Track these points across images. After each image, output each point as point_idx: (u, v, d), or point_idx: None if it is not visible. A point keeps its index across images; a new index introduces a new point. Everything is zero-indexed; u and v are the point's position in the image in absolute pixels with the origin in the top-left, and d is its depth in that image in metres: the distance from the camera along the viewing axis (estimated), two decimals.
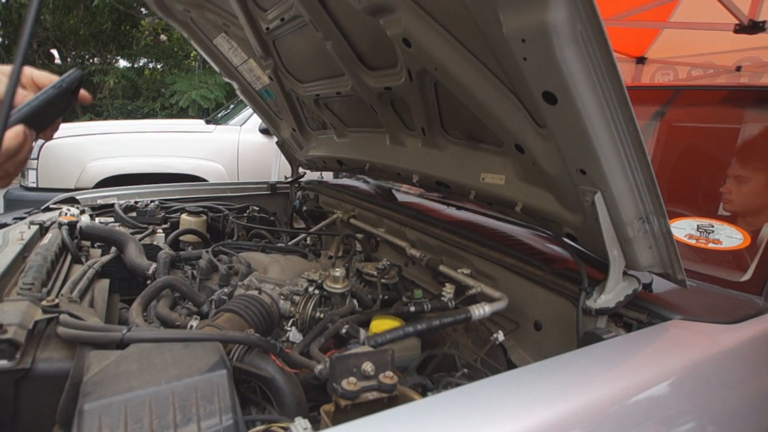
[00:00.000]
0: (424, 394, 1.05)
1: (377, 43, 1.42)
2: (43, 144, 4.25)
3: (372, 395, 0.89)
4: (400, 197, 2.19)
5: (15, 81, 0.65)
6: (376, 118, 1.76)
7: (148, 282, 1.64)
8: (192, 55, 11.26)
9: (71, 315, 1.11)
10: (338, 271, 1.38)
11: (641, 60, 4.94)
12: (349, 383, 0.88)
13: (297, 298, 1.38)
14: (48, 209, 2.23)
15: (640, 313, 1.12)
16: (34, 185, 4.25)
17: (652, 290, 1.18)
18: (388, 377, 0.91)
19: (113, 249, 1.90)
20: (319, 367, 0.99)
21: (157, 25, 10.82)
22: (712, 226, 1.59)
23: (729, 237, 1.55)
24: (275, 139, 4.64)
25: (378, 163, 1.87)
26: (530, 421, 0.73)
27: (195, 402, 0.77)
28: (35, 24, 0.64)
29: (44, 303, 1.11)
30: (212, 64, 2.33)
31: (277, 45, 1.90)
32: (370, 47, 1.50)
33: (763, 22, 3.11)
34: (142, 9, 10.43)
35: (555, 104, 0.93)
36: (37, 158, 4.23)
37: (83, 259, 1.76)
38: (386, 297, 1.50)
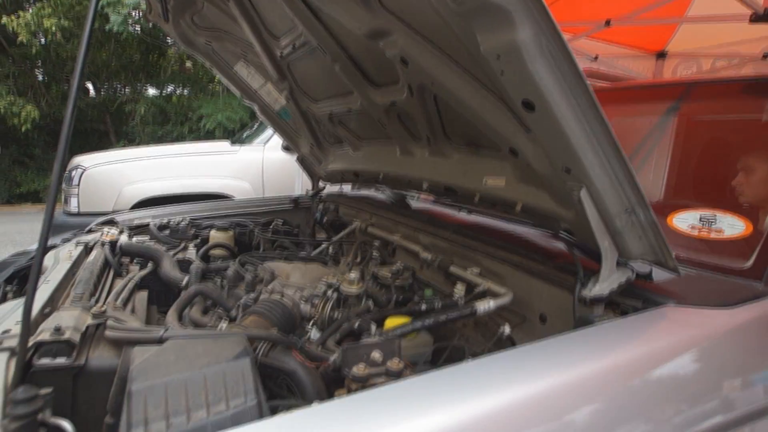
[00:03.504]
0: None
1: (380, 62, 1.54)
2: (83, 172, 4.51)
3: (380, 380, 0.99)
4: (415, 205, 2.29)
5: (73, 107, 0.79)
6: (385, 131, 1.88)
7: (182, 292, 1.79)
8: (216, 79, 11.72)
9: (116, 319, 1.26)
10: (353, 275, 1.49)
11: (662, 54, 4.89)
12: (358, 368, 0.98)
13: (316, 301, 1.50)
14: (90, 231, 2.43)
15: (636, 300, 1.19)
16: (76, 210, 4.48)
17: (653, 279, 1.24)
18: (395, 363, 1.01)
19: (150, 264, 2.06)
20: (334, 356, 1.10)
21: (183, 53, 11.34)
22: (715, 216, 1.63)
23: (731, 226, 1.59)
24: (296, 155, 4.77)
25: (390, 173, 1.99)
26: (524, 392, 0.82)
27: (224, 385, 0.89)
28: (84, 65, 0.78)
29: (94, 310, 1.28)
30: (233, 89, 2.50)
31: (291, 69, 2.05)
32: (374, 66, 1.62)
33: None
34: (168, 39, 10.96)
35: (534, 111, 1.02)
36: (78, 185, 4.48)
37: (123, 273, 1.93)
38: (401, 298, 1.60)
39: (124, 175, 4.57)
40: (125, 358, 1.10)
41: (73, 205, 4.51)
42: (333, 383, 1.23)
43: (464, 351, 1.36)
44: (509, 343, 1.43)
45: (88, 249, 2.06)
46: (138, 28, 10.15)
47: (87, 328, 1.20)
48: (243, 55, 2.22)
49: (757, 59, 4.33)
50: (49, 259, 1.84)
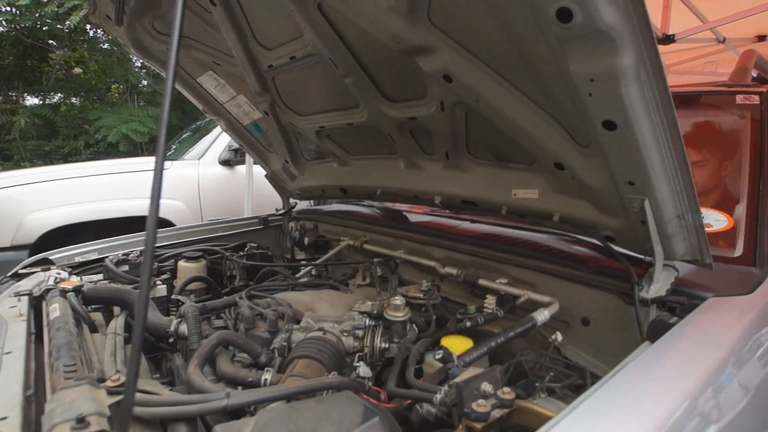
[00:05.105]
0: None
1: (403, 77, 1.47)
2: None
3: (497, 413, 0.94)
4: (411, 218, 2.23)
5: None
6: (389, 145, 1.81)
7: (170, 340, 1.56)
8: (113, 87, 10.54)
9: (143, 392, 1.04)
10: (398, 300, 1.41)
11: None
12: (480, 405, 0.92)
13: (360, 332, 1.40)
14: (18, 275, 2.01)
15: (679, 296, 1.26)
16: None
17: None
18: (507, 393, 0.97)
19: (116, 310, 1.77)
20: (438, 396, 1.02)
21: (70, 57, 10.03)
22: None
23: (717, 220, 1.78)
24: (237, 169, 4.44)
25: (392, 188, 1.92)
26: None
27: None
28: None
29: (108, 384, 1.00)
30: (195, 102, 2.26)
31: (276, 81, 1.90)
32: (395, 81, 1.55)
33: (674, 35, 3.79)
34: (51, 41, 9.61)
35: (614, 130, 1.05)
36: None
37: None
38: (436, 317, 1.55)
39: (24, 202, 3.83)
40: None
41: None
42: (404, 422, 1.15)
43: (522, 364, 1.34)
44: (556, 350, 1.46)
45: (32, 300, 1.69)
46: (13, 27, 8.77)
47: (111, 409, 0.92)
48: (213, 66, 2.01)
49: None
50: None
